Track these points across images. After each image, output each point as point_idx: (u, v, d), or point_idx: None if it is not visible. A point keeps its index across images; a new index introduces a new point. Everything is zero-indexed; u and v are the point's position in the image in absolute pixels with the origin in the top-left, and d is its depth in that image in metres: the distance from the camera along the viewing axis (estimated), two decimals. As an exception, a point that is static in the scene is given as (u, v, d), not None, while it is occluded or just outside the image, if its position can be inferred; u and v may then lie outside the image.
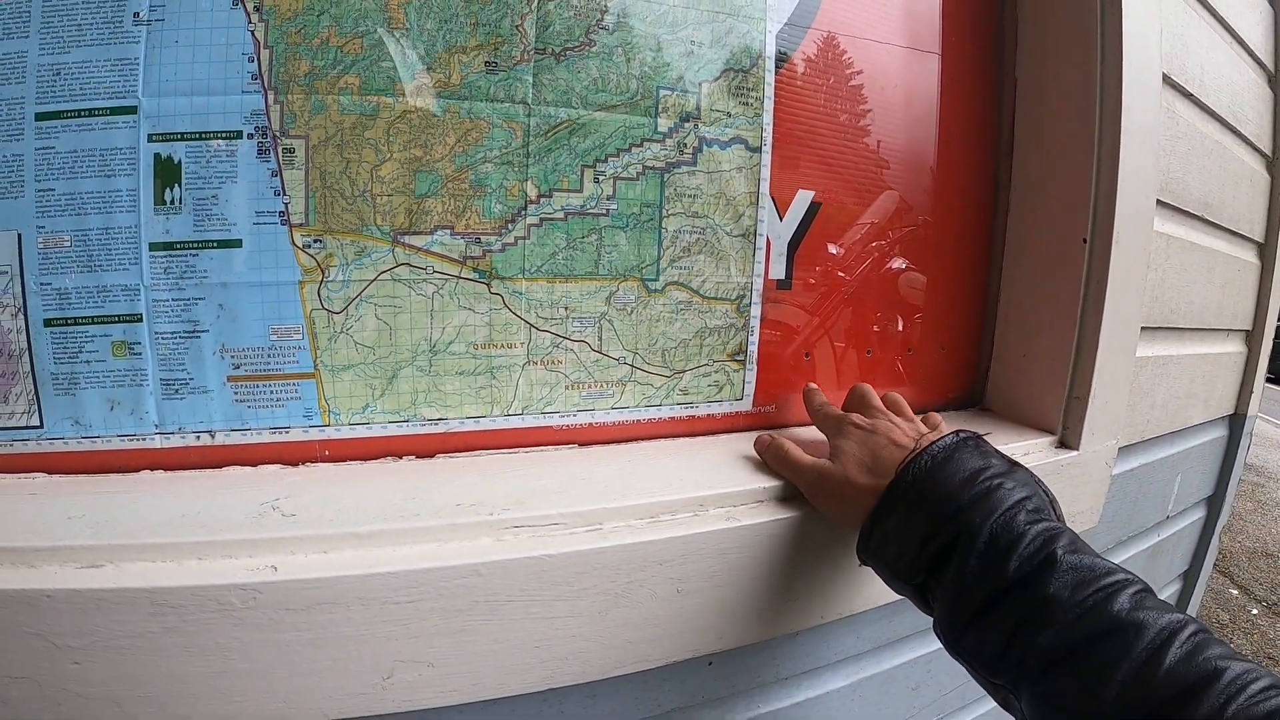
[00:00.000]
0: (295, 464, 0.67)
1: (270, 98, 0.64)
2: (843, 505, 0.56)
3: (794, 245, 0.72)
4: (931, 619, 0.52)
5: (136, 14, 0.64)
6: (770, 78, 0.71)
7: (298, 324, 0.66)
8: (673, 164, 0.69)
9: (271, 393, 0.67)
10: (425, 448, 0.69)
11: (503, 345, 0.66)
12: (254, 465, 0.67)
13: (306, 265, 0.65)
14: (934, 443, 0.54)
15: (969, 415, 0.80)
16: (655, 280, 0.70)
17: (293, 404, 0.68)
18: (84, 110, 0.63)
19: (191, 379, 0.67)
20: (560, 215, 0.68)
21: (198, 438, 0.68)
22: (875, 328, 0.77)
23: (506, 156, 0.67)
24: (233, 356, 0.67)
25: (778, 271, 0.72)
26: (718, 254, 0.70)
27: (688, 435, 0.71)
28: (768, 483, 0.60)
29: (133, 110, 0.63)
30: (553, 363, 0.67)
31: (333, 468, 0.66)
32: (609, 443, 0.68)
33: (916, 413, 0.70)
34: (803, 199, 0.71)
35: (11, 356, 0.67)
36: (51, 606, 0.50)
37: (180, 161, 0.64)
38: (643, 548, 0.54)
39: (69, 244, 0.64)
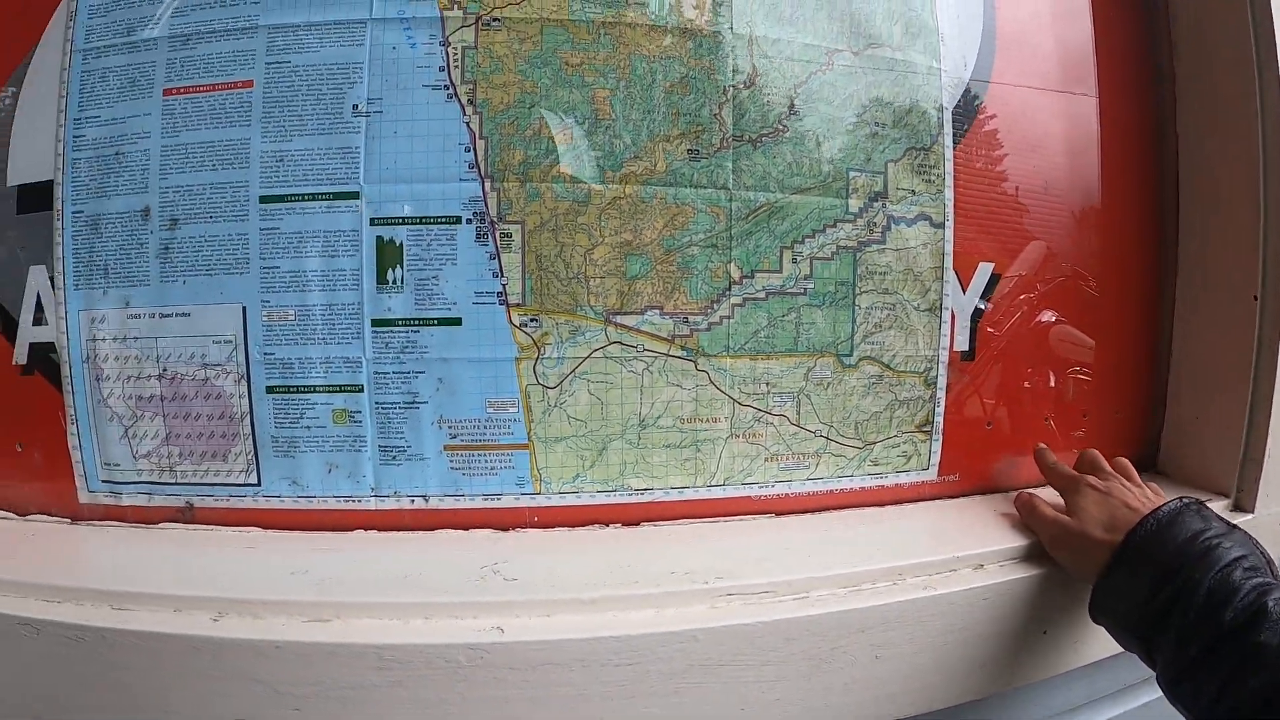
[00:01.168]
0: (506, 529, 0.66)
1: (487, 185, 0.63)
2: (1079, 558, 0.60)
3: (976, 317, 0.71)
4: (1155, 673, 0.55)
5: (355, 106, 0.63)
6: (949, 153, 0.70)
7: (514, 398, 0.65)
8: (864, 243, 0.68)
9: (486, 462, 0.66)
10: (631, 516, 0.67)
11: (707, 420, 0.66)
12: (466, 529, 0.66)
13: (523, 343, 0.64)
14: (1160, 507, 0.57)
15: (1144, 479, 0.72)
16: (849, 355, 0.68)
17: (506, 472, 0.66)
18: (307, 195, 0.62)
19: (409, 446, 0.66)
20: (762, 295, 0.67)
21: (412, 501, 0.67)
22: (1052, 394, 0.75)
23: (711, 240, 0.66)
24: (450, 427, 0.66)
25: (962, 343, 0.71)
26: (907, 328, 0.70)
27: (876, 504, 0.70)
28: (961, 552, 0.61)
29: (355, 196, 0.63)
30: (754, 436, 0.67)
31: (543, 534, 0.65)
32: (804, 512, 0.68)
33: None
34: (983, 271, 0.71)
35: (233, 419, 0.65)
36: (278, 656, 0.52)
37: (402, 244, 0.63)
38: (846, 615, 0.55)
39: (293, 318, 0.63)
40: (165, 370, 0.66)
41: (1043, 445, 0.72)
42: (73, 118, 0.67)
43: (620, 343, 0.66)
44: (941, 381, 0.71)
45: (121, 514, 0.69)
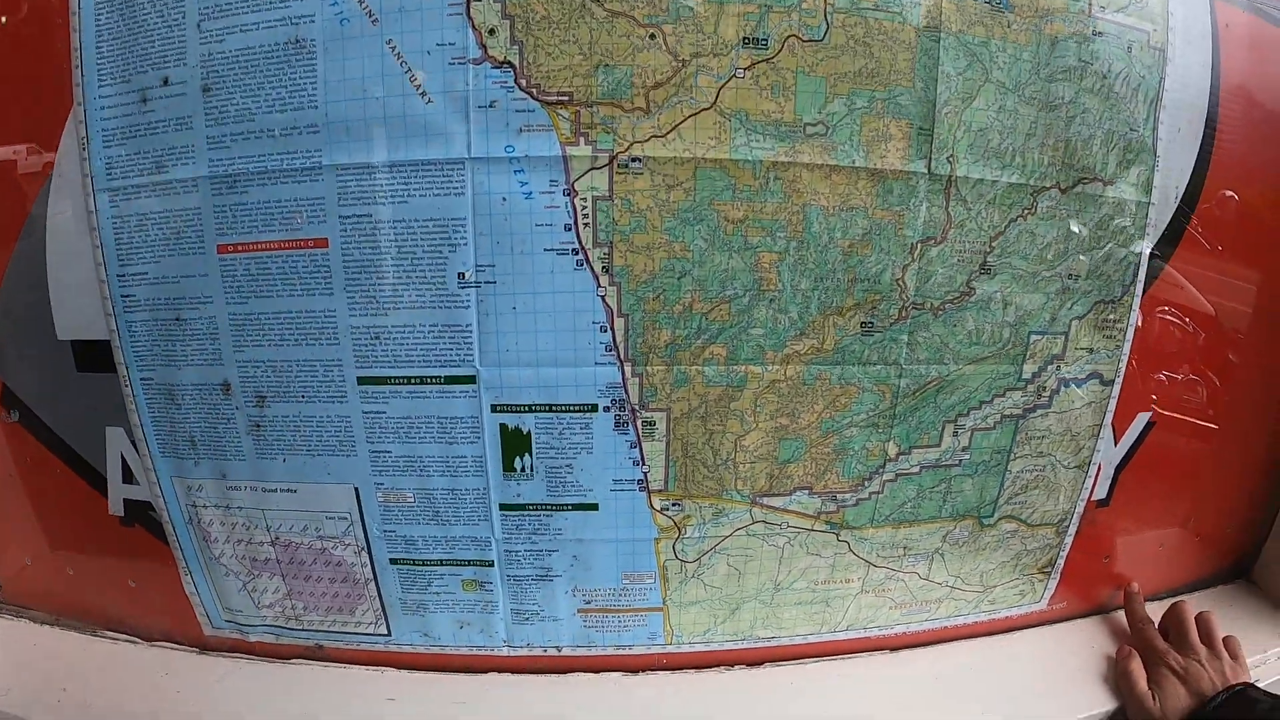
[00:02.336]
0: (636, 672, 0.62)
1: (627, 370, 0.51)
2: None
3: (1121, 466, 0.64)
4: None
5: (461, 274, 0.48)
6: (1137, 303, 0.57)
7: (651, 572, 0.58)
8: (1029, 409, 0.58)
9: (620, 621, 0.60)
10: (754, 658, 0.63)
11: (841, 581, 0.61)
12: (597, 672, 0.62)
13: (664, 525, 0.56)
14: (1211, 698, 0.59)
15: (1238, 587, 0.75)
16: (990, 517, 0.61)
17: (638, 629, 0.60)
18: (413, 378, 0.50)
19: (542, 610, 0.59)
20: (916, 470, 0.57)
21: (544, 650, 0.61)
22: (1172, 522, 0.70)
23: (873, 420, 0.54)
24: (584, 595, 0.59)
25: (1100, 492, 0.64)
26: (1051, 487, 0.62)
27: (986, 634, 0.67)
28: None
29: (471, 380, 0.50)
30: (882, 591, 0.62)
31: (669, 676, 0.62)
32: (917, 646, 0.65)
33: (1182, 590, 0.73)
34: (1139, 421, 0.63)
35: (357, 583, 0.58)
36: None
37: (530, 432, 0.52)
38: None
39: (412, 500, 0.54)
40: (278, 538, 0.56)
41: (1135, 589, 0.69)
42: (115, 274, 0.51)
43: (764, 521, 0.57)
44: (1072, 530, 0.64)
45: (249, 647, 0.62)
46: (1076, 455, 0.61)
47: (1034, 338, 0.56)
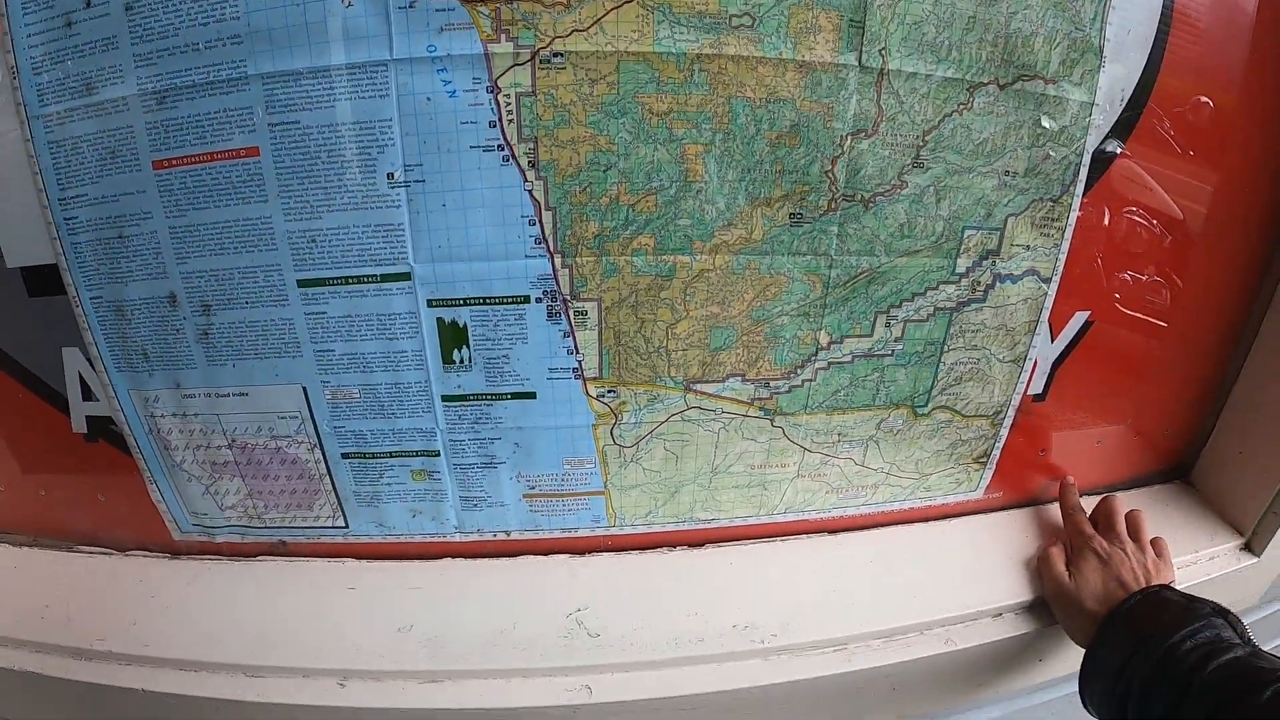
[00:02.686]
0: (581, 553, 0.65)
1: (558, 261, 0.52)
2: (1071, 622, 0.62)
3: (1058, 363, 0.65)
4: None
5: (390, 174, 0.48)
6: (1077, 203, 0.57)
7: (590, 457, 0.60)
8: (963, 303, 0.58)
9: (564, 505, 0.63)
10: (695, 539, 0.66)
11: (777, 465, 0.63)
12: (545, 555, 0.66)
13: (600, 411, 0.58)
14: (1124, 600, 0.58)
15: (1174, 488, 0.77)
16: (924, 406, 0.63)
17: (582, 513, 0.63)
18: (350, 278, 0.52)
19: (489, 497, 0.62)
20: (848, 359, 0.58)
21: (494, 535, 0.64)
22: (1111, 419, 0.72)
23: (804, 309, 0.55)
24: (528, 480, 0.61)
25: (1036, 387, 0.65)
26: (986, 379, 0.63)
27: (922, 520, 0.70)
28: (984, 605, 0.64)
29: (406, 277, 0.51)
30: (818, 475, 0.64)
31: (614, 557, 0.66)
32: (854, 529, 0.68)
33: (1120, 487, 0.75)
34: (1077, 319, 0.63)
35: (312, 479, 0.60)
36: (403, 718, 0.56)
37: (466, 325, 0.54)
38: (878, 669, 0.60)
39: (358, 396, 0.56)
40: (234, 440, 0.59)
41: (1070, 481, 0.70)
42: (56, 198, 0.51)
43: (699, 407, 0.59)
44: (1008, 422, 0.66)
45: (217, 548, 0.65)
46: (1012, 350, 0.62)
47: (968, 232, 0.56)
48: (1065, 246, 0.59)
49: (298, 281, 0.53)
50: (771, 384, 0.59)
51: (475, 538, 0.65)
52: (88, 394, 0.59)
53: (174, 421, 0.59)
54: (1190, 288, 0.66)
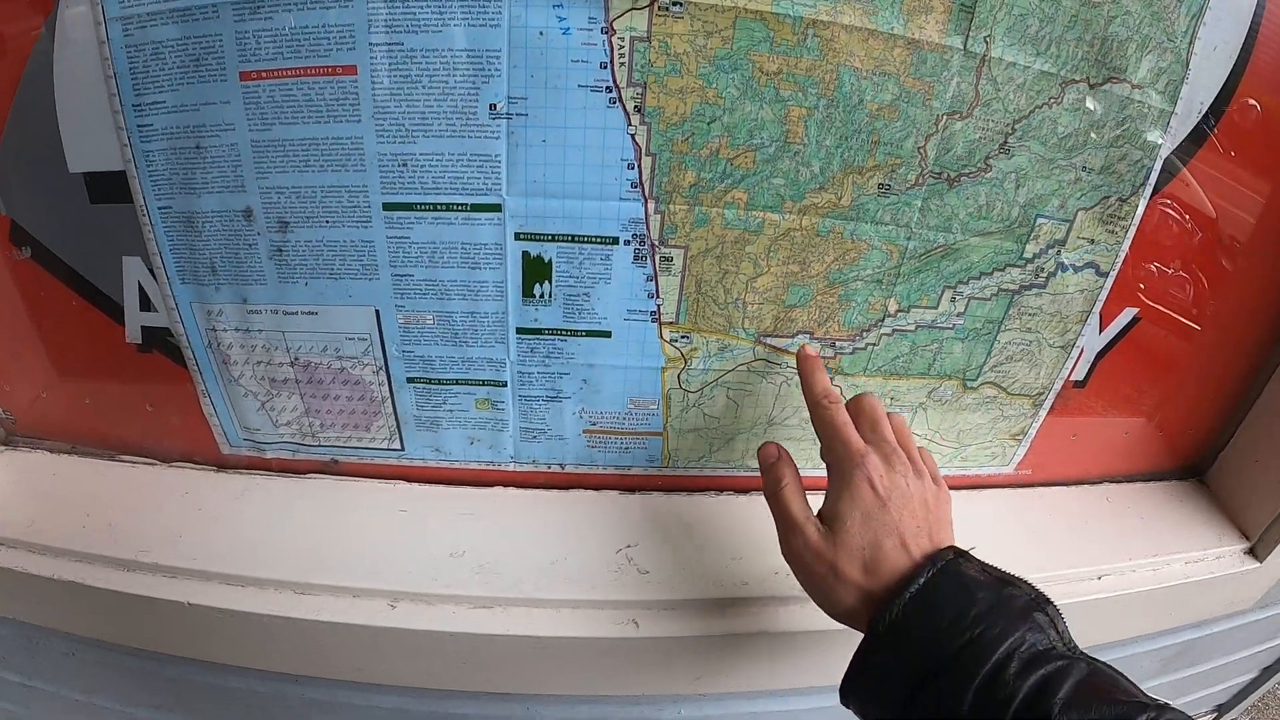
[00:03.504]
0: (632, 490, 0.68)
1: (650, 207, 0.53)
2: (820, 588, 0.48)
3: (1102, 354, 0.67)
4: None
5: (493, 105, 0.49)
6: (1143, 205, 0.59)
7: (655, 399, 0.62)
8: (1025, 287, 0.61)
9: (622, 444, 0.65)
10: (743, 485, 0.70)
11: None
12: (597, 490, 0.68)
13: (671, 355, 0.60)
14: (912, 577, 0.44)
15: (1189, 485, 0.79)
16: (974, 380, 0.65)
17: (638, 451, 0.66)
18: (440, 205, 0.52)
19: (550, 429, 0.64)
20: (911, 327, 0.61)
21: (549, 467, 0.67)
22: (1140, 413, 0.74)
23: (878, 275, 0.57)
24: (590, 417, 0.64)
25: (1079, 374, 0.68)
26: (1034, 362, 0.65)
27: (954, 488, 0.61)
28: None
29: (496, 208, 0.53)
30: None
31: (664, 497, 0.68)
32: None
33: (1139, 479, 0.72)
34: (1126, 314, 0.66)
35: (373, 401, 0.61)
36: (453, 641, 0.58)
37: (551, 261, 0.55)
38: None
39: (432, 322, 0.57)
40: (297, 359, 0.60)
41: (811, 352, 0.57)
42: (130, 104, 0.50)
43: (765, 359, 0.61)
44: (1048, 404, 0.68)
45: (266, 464, 0.66)
46: (1062, 336, 0.65)
47: (1040, 220, 0.59)
48: (1126, 244, 0.61)
49: (383, 205, 0.54)
50: (837, 344, 0.62)
51: (529, 468, 0.67)
52: (146, 304, 0.59)
53: (236, 336, 0.60)
54: (1232, 295, 0.69)
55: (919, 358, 0.63)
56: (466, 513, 0.65)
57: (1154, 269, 0.64)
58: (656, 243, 0.56)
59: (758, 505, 0.69)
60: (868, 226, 0.56)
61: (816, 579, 0.48)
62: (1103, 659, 0.43)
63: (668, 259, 0.56)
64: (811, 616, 0.59)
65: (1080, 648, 0.44)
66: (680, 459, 0.68)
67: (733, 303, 0.59)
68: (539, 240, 0.55)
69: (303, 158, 0.52)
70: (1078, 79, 0.54)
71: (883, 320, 0.61)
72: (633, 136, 0.52)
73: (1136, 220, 0.60)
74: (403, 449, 0.66)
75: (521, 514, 0.66)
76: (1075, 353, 0.66)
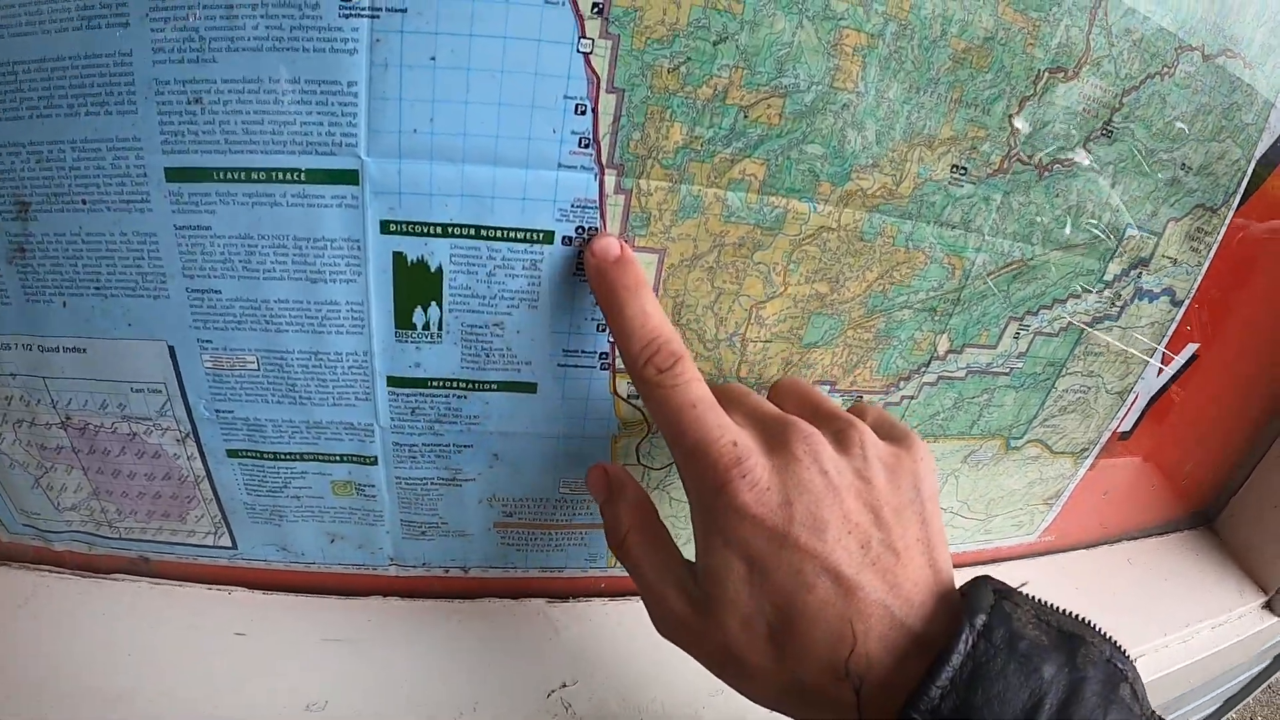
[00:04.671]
0: (564, 598, 0.49)
1: (610, 181, 0.31)
2: (718, 672, 0.30)
3: (1155, 398, 0.55)
4: None
5: None
6: (1229, 218, 0.46)
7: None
8: (1098, 318, 0.45)
9: (551, 540, 0.44)
10: None
11: None
12: (515, 598, 0.48)
13: (629, 419, 0.38)
14: (935, 669, 0.24)
15: (1199, 534, 0.72)
16: (1019, 439, 0.49)
17: (574, 550, 0.45)
18: (256, 170, 0.28)
19: (445, 523, 0.42)
20: (961, 374, 0.43)
21: (445, 571, 0.45)
22: (1168, 462, 0.64)
23: (932, 302, 0.39)
24: (504, 505, 0.42)
25: (1127, 424, 0.55)
26: (1087, 413, 0.51)
27: (972, 565, 0.59)
28: None
29: (351, 178, 0.29)
30: None
31: (611, 605, 0.50)
32: None
33: (1153, 531, 0.62)
34: (1187, 351, 0.54)
35: (184, 482, 0.39)
36: None
37: (440, 268, 0.32)
38: None
39: (255, 366, 0.34)
40: (69, 419, 0.35)
41: (609, 249, 0.32)
42: None
43: None
44: (1090, 461, 0.54)
45: (58, 558, 0.43)
46: (1122, 380, 0.48)
47: (1130, 232, 0.42)
48: (1206, 266, 0.47)
49: (166, 171, 0.29)
50: (865, 398, 0.43)
51: (419, 573, 0.44)
52: None
53: (-33, 383, 0.29)
54: (1264, 330, 0.58)
55: (963, 413, 0.45)
56: (331, 637, 0.43)
57: (1219, 297, 0.51)
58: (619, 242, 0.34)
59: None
60: (929, 229, 0.37)
61: (714, 668, 0.30)
62: None
63: (641, 267, 0.36)
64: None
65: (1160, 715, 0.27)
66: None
67: (726, 340, 0.38)
68: (421, 234, 0.31)
69: (44, 91, 0.28)
70: (1194, 45, 0.37)
71: (928, 364, 0.42)
72: (586, 56, 0.28)
73: (1220, 237, 0.46)
74: (235, 547, 0.42)
75: (408, 637, 0.43)
76: (1130, 399, 0.51)
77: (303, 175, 0.29)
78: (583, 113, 0.30)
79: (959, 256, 0.35)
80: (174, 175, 0.29)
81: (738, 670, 0.28)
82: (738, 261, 0.34)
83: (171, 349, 0.33)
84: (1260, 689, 0.82)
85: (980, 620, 0.25)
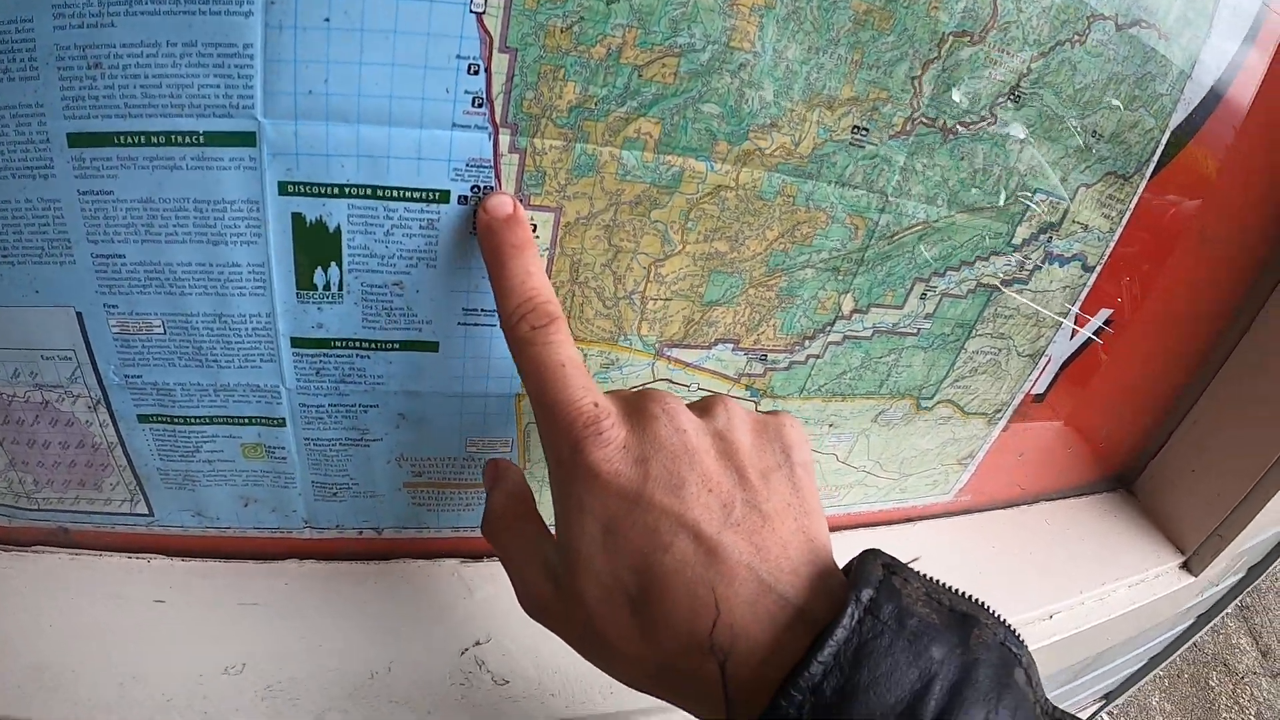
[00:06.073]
0: (478, 557, 0.49)
1: (504, 140, 0.32)
2: (584, 651, 0.30)
3: (1068, 362, 0.57)
4: None
5: None
6: (1142, 187, 0.48)
7: (507, 439, 0.43)
8: (1007, 281, 0.47)
9: (461, 499, 0.45)
10: None
11: None
12: (429, 558, 0.49)
13: None
14: (819, 643, 0.23)
15: (1117, 497, 0.74)
16: (930, 399, 0.51)
17: (484, 509, 0.40)
18: (156, 134, 0.29)
19: (355, 484, 0.43)
20: (868, 334, 0.45)
21: (359, 532, 0.46)
22: (1085, 425, 0.66)
23: (835, 261, 0.41)
24: (413, 465, 0.43)
25: (1040, 386, 0.57)
26: (999, 374, 0.53)
27: (886, 524, 0.61)
28: None
29: (248, 140, 0.30)
30: None
31: None
32: None
33: (1070, 494, 0.64)
34: (1100, 316, 0.56)
35: (97, 449, 0.39)
36: None
37: (339, 228, 0.32)
38: None
39: (161, 330, 0.35)
40: None
41: (501, 205, 0.34)
42: None
43: (669, 379, 0.42)
44: (1003, 423, 0.56)
45: None
46: (1033, 343, 0.51)
47: (1039, 196, 0.44)
48: (1118, 234, 0.49)
49: (69, 136, 0.30)
50: (769, 357, 0.44)
51: (333, 535, 0.45)
52: None
53: None
54: (1169, 296, 0.60)
55: (871, 373, 0.47)
56: (246, 600, 0.44)
57: (1130, 264, 0.53)
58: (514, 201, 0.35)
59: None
60: (830, 189, 0.38)
61: (583, 650, 0.30)
62: None
63: (530, 227, 0.36)
64: None
65: (1052, 703, 0.27)
66: (545, 515, 0.48)
67: (626, 298, 0.39)
68: (319, 195, 0.33)
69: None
70: (1107, 14, 0.38)
71: (833, 324, 0.44)
72: (479, 16, 0.30)
73: (1133, 206, 0.48)
74: (151, 514, 0.43)
75: (323, 600, 0.45)
76: (1043, 361, 0.54)
77: (201, 138, 0.30)
78: (476, 72, 0.31)
79: (862, 217, 0.37)
80: (76, 140, 0.29)
81: (604, 651, 0.28)
82: (635, 220, 0.36)
83: (79, 315, 0.34)
84: (1185, 648, 0.87)
85: (867, 594, 0.24)
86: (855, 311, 0.41)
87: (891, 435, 0.49)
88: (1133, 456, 0.69)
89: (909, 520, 0.58)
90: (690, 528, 0.26)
